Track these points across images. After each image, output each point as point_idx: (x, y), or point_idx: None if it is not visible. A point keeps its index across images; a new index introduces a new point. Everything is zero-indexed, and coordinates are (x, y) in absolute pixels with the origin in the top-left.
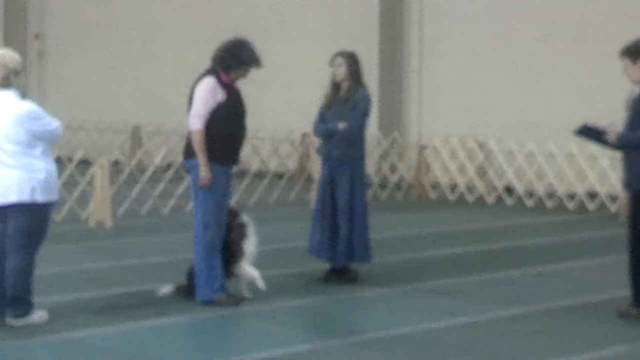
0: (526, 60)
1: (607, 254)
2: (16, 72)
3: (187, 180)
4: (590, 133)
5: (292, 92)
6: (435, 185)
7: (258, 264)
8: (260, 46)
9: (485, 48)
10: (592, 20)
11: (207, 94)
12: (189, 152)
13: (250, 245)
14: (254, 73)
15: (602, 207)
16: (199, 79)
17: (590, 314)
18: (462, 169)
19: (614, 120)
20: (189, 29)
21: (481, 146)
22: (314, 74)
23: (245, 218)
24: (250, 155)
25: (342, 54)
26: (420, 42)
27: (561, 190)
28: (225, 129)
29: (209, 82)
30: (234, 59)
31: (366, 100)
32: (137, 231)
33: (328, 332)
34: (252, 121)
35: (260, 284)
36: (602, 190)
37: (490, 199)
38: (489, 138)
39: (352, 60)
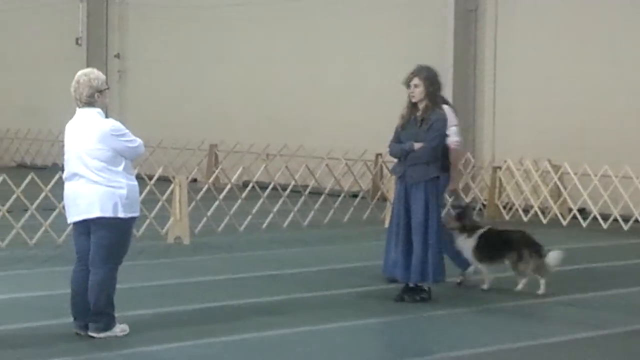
0: (601, 82)
1: None
2: (100, 91)
3: (262, 198)
4: None
5: (366, 112)
6: (509, 206)
7: (329, 283)
8: (335, 67)
9: (559, 70)
10: None
11: None
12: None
13: None
14: (328, 94)
15: None
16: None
17: None
18: (536, 190)
19: None
20: (264, 49)
21: (555, 168)
22: (389, 94)
23: None
24: (324, 175)
25: (419, 74)
26: (494, 63)
27: (637, 213)
28: None
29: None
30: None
31: (442, 121)
32: (213, 248)
33: (401, 351)
34: (327, 141)
35: None
36: None
37: (564, 221)
38: (563, 160)
39: (429, 81)
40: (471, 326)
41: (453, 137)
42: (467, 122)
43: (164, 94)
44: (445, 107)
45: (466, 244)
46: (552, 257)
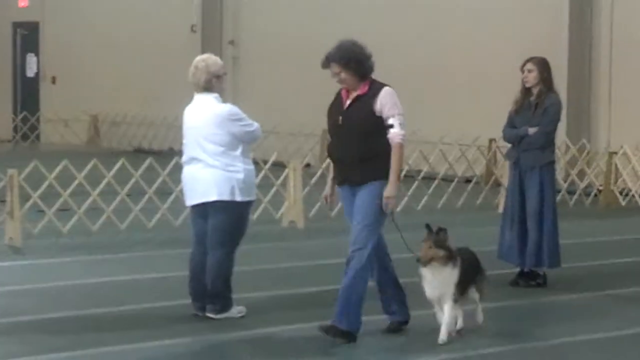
0: None
1: None
2: (218, 76)
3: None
4: None
5: (479, 97)
6: (625, 192)
7: None
8: (448, 52)
9: None
10: None
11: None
12: None
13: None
14: (441, 79)
15: None
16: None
17: None
18: None
19: None
20: (380, 35)
21: None
22: (502, 79)
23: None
24: (437, 160)
25: (533, 59)
26: (611, 47)
27: None
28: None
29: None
30: None
31: (557, 106)
32: (327, 232)
33: (516, 335)
34: (440, 127)
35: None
36: None
37: None
38: None
39: (543, 66)
40: (588, 312)
41: (397, 129)
42: (582, 108)
43: (277, 80)
44: (387, 87)
45: (453, 277)
46: None
